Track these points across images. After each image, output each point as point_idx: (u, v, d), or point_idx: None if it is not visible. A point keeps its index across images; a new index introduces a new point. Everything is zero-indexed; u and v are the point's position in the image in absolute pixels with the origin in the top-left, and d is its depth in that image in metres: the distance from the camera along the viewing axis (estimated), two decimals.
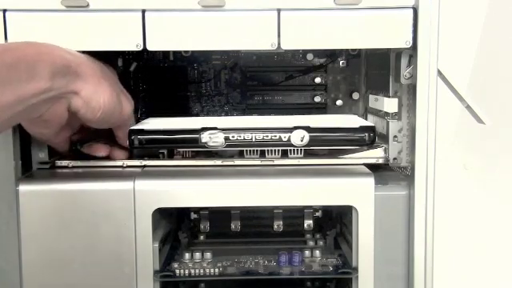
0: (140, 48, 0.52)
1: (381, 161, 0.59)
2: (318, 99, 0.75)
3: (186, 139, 0.57)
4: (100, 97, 0.51)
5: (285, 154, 0.58)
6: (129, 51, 0.66)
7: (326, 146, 0.58)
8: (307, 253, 0.60)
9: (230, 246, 0.63)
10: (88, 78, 0.50)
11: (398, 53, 0.55)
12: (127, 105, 0.55)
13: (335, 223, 0.66)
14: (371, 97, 0.67)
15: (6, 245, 0.53)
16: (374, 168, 0.57)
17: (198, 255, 0.59)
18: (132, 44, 0.52)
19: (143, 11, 0.52)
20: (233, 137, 0.56)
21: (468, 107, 0.56)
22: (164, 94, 0.74)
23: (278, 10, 0.52)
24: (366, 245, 0.54)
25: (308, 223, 0.63)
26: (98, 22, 0.52)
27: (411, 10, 0.52)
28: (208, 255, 0.60)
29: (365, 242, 0.54)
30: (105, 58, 0.55)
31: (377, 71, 0.66)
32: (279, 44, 0.53)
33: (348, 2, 0.52)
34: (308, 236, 0.66)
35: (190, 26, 0.52)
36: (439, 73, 0.53)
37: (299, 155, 0.58)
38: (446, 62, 0.54)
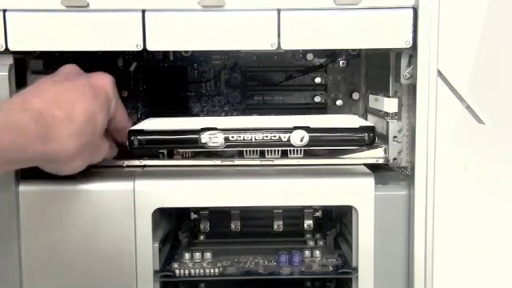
0: (140, 48, 0.52)
1: (381, 161, 0.59)
2: (318, 99, 0.75)
3: (185, 139, 0.57)
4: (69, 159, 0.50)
5: (285, 154, 0.58)
6: (129, 51, 0.66)
7: (326, 146, 0.58)
8: (307, 253, 0.60)
9: (230, 246, 0.63)
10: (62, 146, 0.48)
11: (398, 53, 0.55)
12: (104, 152, 0.54)
13: (335, 223, 0.66)
14: (371, 97, 0.67)
15: (6, 245, 0.53)
16: (374, 168, 0.57)
17: (197, 255, 0.59)
18: (132, 44, 0.52)
19: (143, 11, 0.52)
20: (232, 137, 0.56)
21: (468, 107, 0.56)
22: (164, 94, 0.74)
23: (278, 10, 0.52)
24: (366, 245, 0.54)
25: (308, 223, 0.63)
26: (98, 22, 0.52)
27: (411, 10, 0.52)
28: (208, 255, 0.60)
29: (365, 242, 0.54)
30: (105, 63, 0.55)
31: (377, 71, 0.66)
32: (279, 44, 0.53)
33: (348, 2, 0.52)
34: (308, 236, 0.66)
35: (190, 25, 0.52)
36: (439, 73, 0.53)
37: (299, 155, 0.58)
38: (446, 62, 0.54)
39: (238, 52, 0.73)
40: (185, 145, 0.57)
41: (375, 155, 0.59)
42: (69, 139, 0.48)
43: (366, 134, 0.57)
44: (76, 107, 0.49)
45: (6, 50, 0.52)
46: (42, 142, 0.46)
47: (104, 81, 0.53)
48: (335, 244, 0.63)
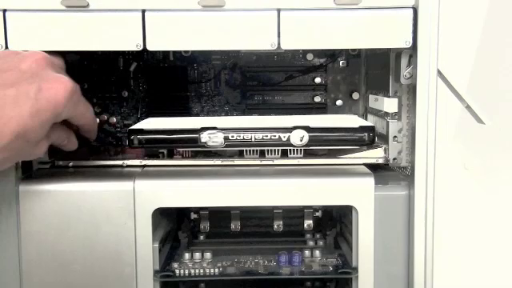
0: (140, 48, 0.52)
1: (381, 161, 0.59)
2: (317, 99, 0.75)
3: (185, 139, 0.57)
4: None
5: (284, 154, 0.58)
6: (129, 51, 0.66)
7: (326, 145, 0.58)
8: (307, 253, 0.60)
9: (230, 246, 0.63)
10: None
11: (398, 53, 0.55)
12: (39, 153, 0.51)
13: (335, 223, 0.66)
14: (371, 97, 0.67)
15: (6, 245, 0.53)
16: (373, 168, 0.57)
17: (197, 255, 0.59)
18: (132, 44, 0.52)
19: (143, 11, 0.52)
20: (232, 137, 0.56)
21: (468, 107, 0.56)
22: (164, 94, 0.74)
23: (278, 10, 0.52)
24: (366, 245, 0.54)
25: (308, 223, 0.63)
26: (98, 22, 0.52)
27: (411, 10, 0.52)
28: (208, 255, 0.60)
29: (365, 242, 0.54)
30: (105, 63, 0.54)
31: (377, 71, 0.66)
32: (279, 44, 0.53)
33: (348, 2, 0.52)
34: (308, 236, 0.66)
35: (190, 25, 0.52)
36: (439, 73, 0.53)
37: (299, 155, 0.58)
38: (445, 62, 0.54)
39: (237, 52, 0.73)
40: (184, 144, 0.57)
41: (375, 155, 0.59)
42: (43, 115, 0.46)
43: (366, 134, 0.57)
44: (8, 125, 0.45)
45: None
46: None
47: (57, 94, 0.47)
48: (335, 244, 0.63)
